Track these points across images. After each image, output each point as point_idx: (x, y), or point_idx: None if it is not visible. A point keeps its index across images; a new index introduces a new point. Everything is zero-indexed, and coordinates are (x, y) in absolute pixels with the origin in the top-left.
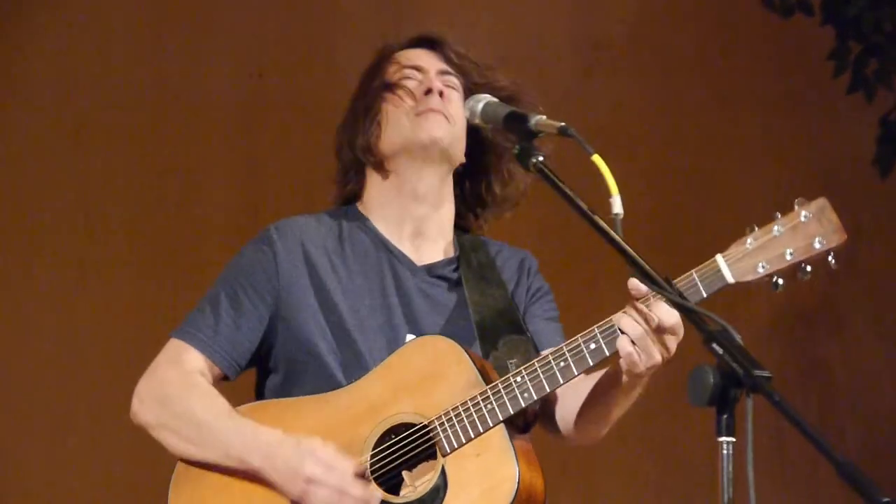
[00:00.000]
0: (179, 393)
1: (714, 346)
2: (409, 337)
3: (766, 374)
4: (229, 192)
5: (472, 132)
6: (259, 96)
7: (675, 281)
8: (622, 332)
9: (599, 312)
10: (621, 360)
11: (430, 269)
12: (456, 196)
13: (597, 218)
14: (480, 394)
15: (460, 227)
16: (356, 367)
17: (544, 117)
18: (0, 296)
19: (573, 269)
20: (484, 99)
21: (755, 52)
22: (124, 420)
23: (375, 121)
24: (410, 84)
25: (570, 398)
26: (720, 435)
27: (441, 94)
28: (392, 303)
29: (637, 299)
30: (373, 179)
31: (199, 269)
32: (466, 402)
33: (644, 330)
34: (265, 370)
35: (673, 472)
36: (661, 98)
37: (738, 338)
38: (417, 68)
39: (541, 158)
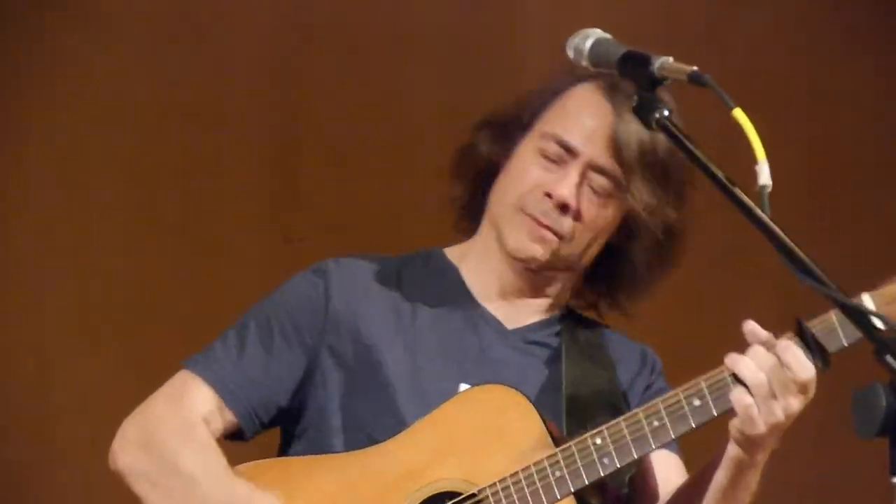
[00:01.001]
0: (171, 440)
1: (889, 358)
2: (463, 387)
3: None
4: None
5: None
6: None
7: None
8: (737, 383)
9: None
10: (734, 421)
11: (524, 334)
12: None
13: (737, 190)
14: (548, 457)
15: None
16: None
17: (671, 59)
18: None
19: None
20: (593, 35)
21: None
22: None
23: (498, 159)
24: (542, 166)
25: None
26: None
27: (565, 207)
28: (467, 370)
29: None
30: (487, 227)
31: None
32: (529, 466)
33: (767, 379)
34: (290, 434)
35: None
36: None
37: None
38: (567, 148)
39: (666, 112)
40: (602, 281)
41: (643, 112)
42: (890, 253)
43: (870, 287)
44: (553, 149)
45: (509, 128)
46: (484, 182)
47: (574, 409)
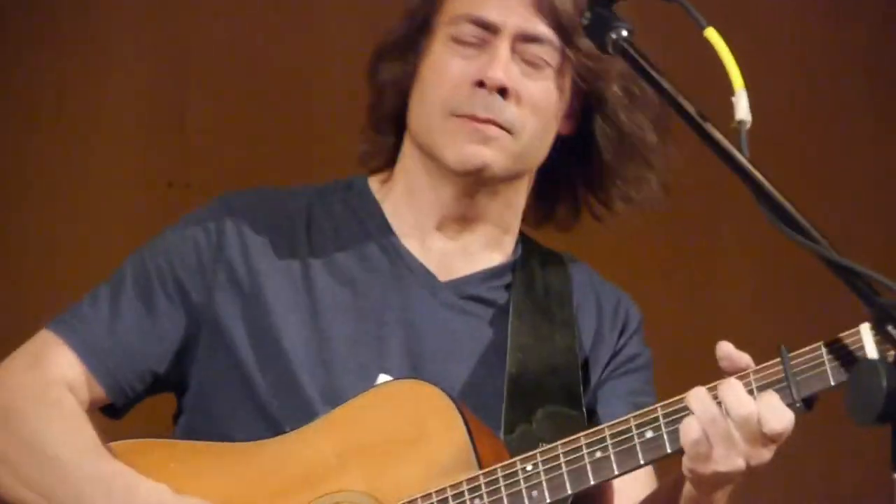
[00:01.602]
0: (30, 409)
1: (892, 328)
2: (382, 378)
3: None
4: None
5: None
6: None
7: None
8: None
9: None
10: (684, 455)
11: (461, 287)
12: (539, 180)
13: (708, 125)
14: (469, 480)
15: (533, 222)
16: (302, 419)
17: None
18: None
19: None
20: None
21: None
22: None
23: (409, 78)
24: (462, 55)
25: None
26: None
27: (503, 91)
28: (386, 334)
29: (732, 372)
30: (409, 148)
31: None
32: (445, 489)
33: (720, 414)
34: (179, 405)
35: None
36: None
37: None
38: (484, 25)
39: (624, 33)
40: (561, 183)
41: (596, 32)
42: None
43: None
44: (468, 30)
45: (408, 39)
46: (401, 118)
47: (517, 393)
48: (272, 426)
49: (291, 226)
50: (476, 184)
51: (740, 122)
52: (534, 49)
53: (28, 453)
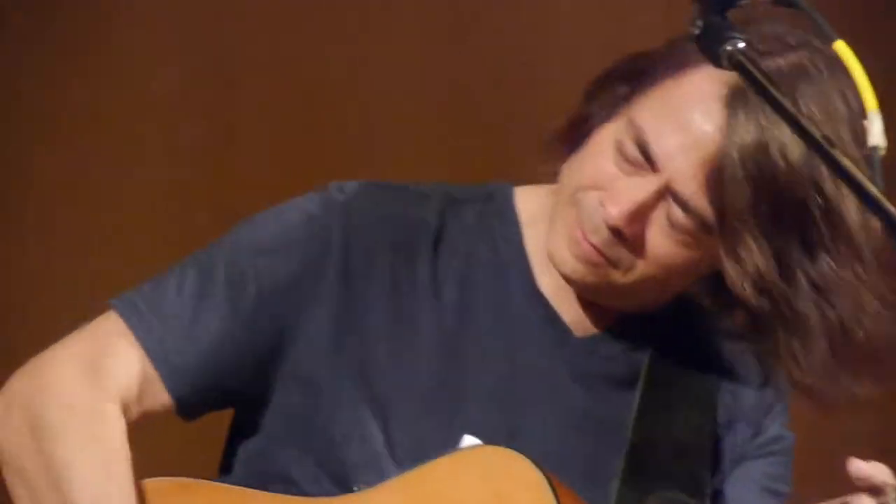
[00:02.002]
0: (68, 433)
1: None
2: (468, 441)
3: None
4: None
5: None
6: None
7: None
8: None
9: None
10: None
11: (597, 344)
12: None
13: (836, 152)
14: None
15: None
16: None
17: None
18: None
19: None
20: None
21: None
22: None
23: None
24: (617, 161)
25: None
26: None
27: (618, 233)
28: (483, 394)
29: (869, 490)
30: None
31: None
32: None
33: None
34: (244, 421)
35: None
36: None
37: None
38: (647, 155)
39: (740, 45)
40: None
41: (708, 44)
42: None
43: None
44: (631, 150)
45: (616, 84)
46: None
47: (636, 470)
48: (335, 483)
49: (415, 243)
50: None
51: (873, 149)
52: (679, 214)
53: (46, 480)
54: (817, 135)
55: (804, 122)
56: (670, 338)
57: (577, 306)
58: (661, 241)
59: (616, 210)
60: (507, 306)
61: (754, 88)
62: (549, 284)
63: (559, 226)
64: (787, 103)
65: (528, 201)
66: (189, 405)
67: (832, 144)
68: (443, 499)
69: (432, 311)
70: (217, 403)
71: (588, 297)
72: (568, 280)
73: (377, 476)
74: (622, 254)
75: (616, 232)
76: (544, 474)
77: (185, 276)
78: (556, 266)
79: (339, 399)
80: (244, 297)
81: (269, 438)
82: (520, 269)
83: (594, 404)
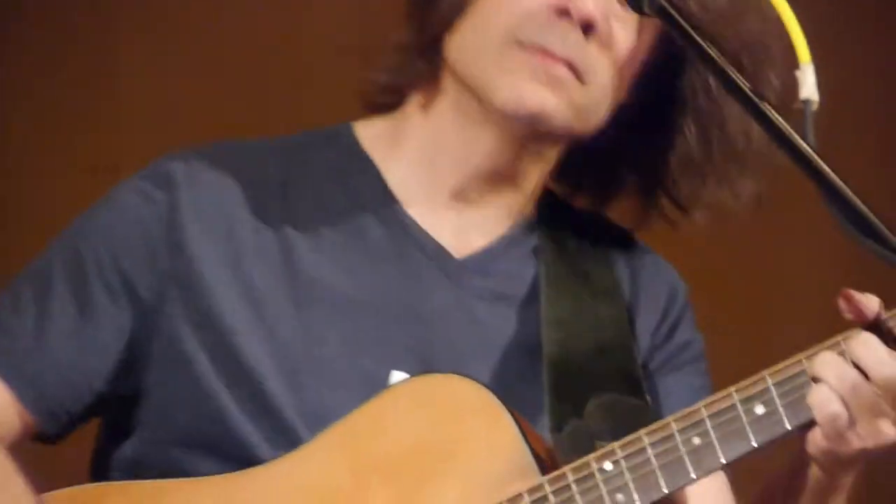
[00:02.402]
0: None
1: None
2: (396, 376)
3: None
4: None
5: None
6: None
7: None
8: (817, 381)
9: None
10: (815, 435)
11: (482, 263)
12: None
13: (766, 105)
14: (529, 492)
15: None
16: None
17: None
18: None
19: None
20: None
21: None
22: None
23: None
24: None
25: None
26: None
27: (590, 27)
28: (391, 333)
29: (862, 324)
30: (440, 88)
31: None
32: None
33: (861, 379)
34: (115, 426)
35: None
36: None
37: None
38: None
39: None
40: (601, 166)
41: None
42: None
43: None
44: None
45: None
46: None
47: (562, 381)
48: (246, 456)
49: (263, 194)
50: (524, 136)
51: (805, 102)
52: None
53: None
54: (746, 87)
55: (742, 81)
56: (552, 245)
57: (451, 231)
58: (621, 30)
59: (587, 3)
60: (381, 242)
61: (683, 38)
62: (419, 213)
63: (506, 73)
64: (722, 60)
65: (370, 130)
66: (52, 419)
67: (761, 97)
68: (386, 439)
69: (305, 261)
70: (85, 412)
71: (513, 166)
72: (535, 117)
73: (290, 446)
74: (591, 57)
75: (587, 28)
76: (493, 393)
77: (19, 288)
78: (524, 110)
79: (227, 375)
80: (89, 289)
81: (154, 432)
82: (379, 199)
83: (502, 323)
